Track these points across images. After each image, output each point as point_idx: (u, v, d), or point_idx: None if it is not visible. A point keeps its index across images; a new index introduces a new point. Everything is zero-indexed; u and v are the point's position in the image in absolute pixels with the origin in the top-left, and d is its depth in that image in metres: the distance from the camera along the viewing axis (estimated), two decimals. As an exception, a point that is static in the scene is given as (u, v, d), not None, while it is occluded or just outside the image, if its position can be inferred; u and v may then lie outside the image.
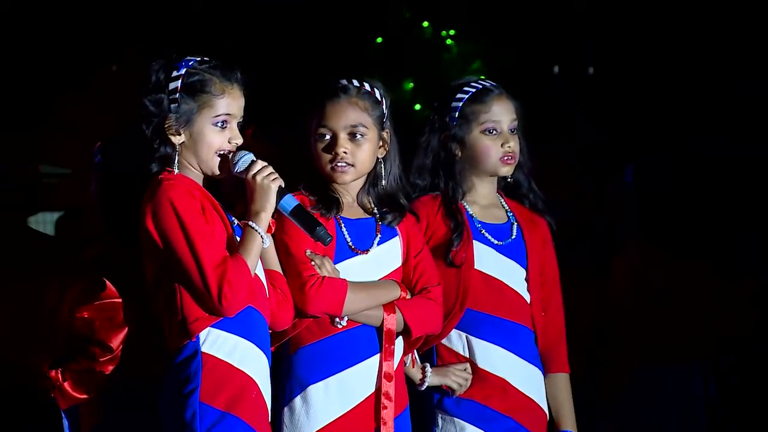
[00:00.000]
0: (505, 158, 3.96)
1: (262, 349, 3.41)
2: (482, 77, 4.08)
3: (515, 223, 4.01)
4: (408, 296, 3.72)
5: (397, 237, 3.77)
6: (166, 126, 3.39)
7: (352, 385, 3.62)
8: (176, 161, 3.40)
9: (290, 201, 3.45)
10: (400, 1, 8.33)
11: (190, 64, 3.42)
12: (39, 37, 8.48)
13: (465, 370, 3.88)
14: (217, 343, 3.33)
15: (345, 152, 3.66)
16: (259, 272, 3.45)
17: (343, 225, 3.70)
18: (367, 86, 3.71)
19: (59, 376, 3.68)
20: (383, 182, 3.74)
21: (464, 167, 3.98)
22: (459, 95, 3.99)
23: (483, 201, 4.02)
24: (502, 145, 3.95)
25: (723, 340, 6.10)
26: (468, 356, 3.91)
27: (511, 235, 4.00)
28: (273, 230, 3.46)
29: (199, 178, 3.45)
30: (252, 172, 3.40)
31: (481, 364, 3.89)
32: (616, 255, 6.17)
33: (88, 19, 8.44)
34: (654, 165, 6.37)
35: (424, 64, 8.19)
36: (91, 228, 3.83)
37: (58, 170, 7.86)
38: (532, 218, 4.04)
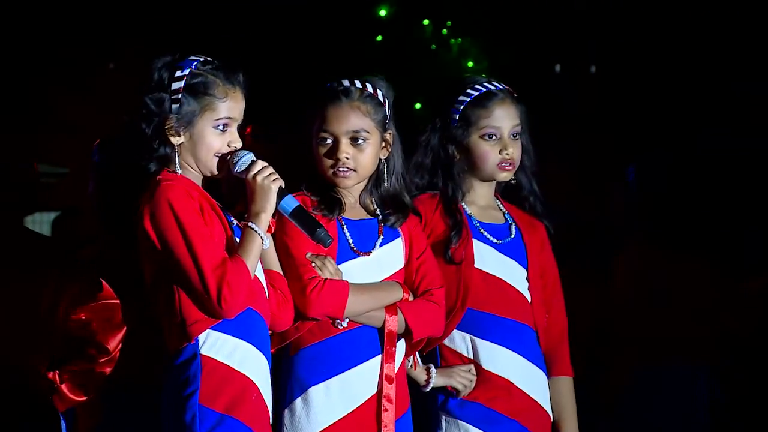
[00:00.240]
0: (503, 164, 3.93)
1: (262, 351, 3.39)
2: (486, 76, 4.04)
3: (513, 224, 4.00)
4: (410, 298, 3.70)
5: (400, 238, 3.74)
6: (167, 126, 3.37)
7: (353, 387, 3.61)
8: (176, 162, 3.38)
9: (291, 202, 3.42)
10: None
11: (193, 64, 3.40)
12: (37, 36, 8.47)
13: (469, 371, 3.86)
14: (217, 345, 3.31)
15: (347, 158, 3.64)
16: (259, 273, 3.43)
17: (345, 226, 3.68)
18: (369, 88, 3.68)
19: (57, 377, 3.66)
20: (386, 183, 3.73)
21: (462, 169, 3.96)
22: (461, 97, 3.96)
23: (481, 202, 4.00)
24: (500, 152, 3.92)
25: (726, 340, 6.09)
26: (472, 357, 3.89)
27: (510, 235, 3.98)
28: (273, 230, 3.43)
29: (198, 179, 3.43)
30: (252, 173, 3.37)
31: (485, 365, 3.87)
32: (617, 254, 6.16)
33: (85, 18, 8.42)
34: (656, 164, 6.36)
35: (424, 62, 8.17)
36: (90, 228, 3.81)
37: (56, 170, 7.84)
38: (530, 221, 4.03)
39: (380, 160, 3.72)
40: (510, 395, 3.86)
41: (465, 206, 3.96)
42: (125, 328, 3.63)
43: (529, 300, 3.95)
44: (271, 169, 3.39)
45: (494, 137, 3.93)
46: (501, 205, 4.04)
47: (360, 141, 3.65)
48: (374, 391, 3.62)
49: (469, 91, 3.96)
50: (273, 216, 3.39)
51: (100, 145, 3.79)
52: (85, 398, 3.65)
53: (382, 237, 3.71)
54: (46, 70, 8.51)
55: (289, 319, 3.51)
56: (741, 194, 7.25)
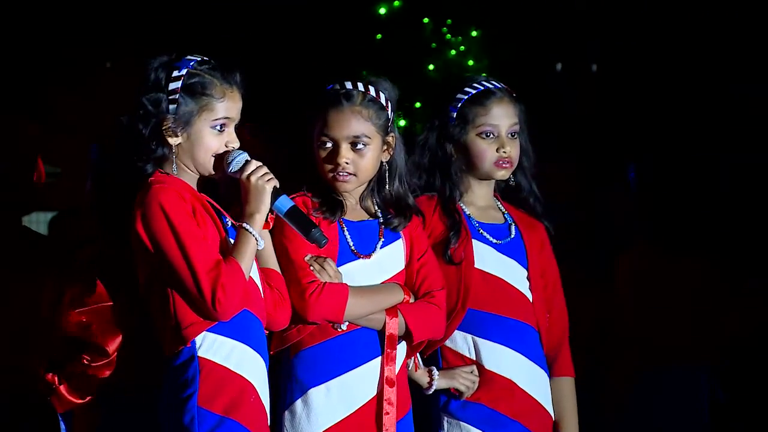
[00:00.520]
0: (500, 162, 3.91)
1: (258, 352, 3.37)
2: (485, 75, 4.03)
3: (513, 224, 3.99)
4: (411, 299, 3.68)
5: (401, 240, 3.73)
6: (164, 127, 3.35)
7: (353, 389, 3.59)
8: (173, 162, 3.36)
9: (285, 202, 3.40)
10: None
11: (190, 64, 3.38)
12: (34, 35, 8.45)
13: (472, 372, 3.84)
14: (214, 347, 3.30)
15: (347, 162, 3.62)
16: (254, 274, 3.40)
17: (345, 228, 3.66)
18: (372, 91, 3.66)
19: (55, 379, 3.65)
20: (388, 186, 3.71)
21: (460, 168, 3.95)
22: (459, 95, 3.95)
23: (480, 202, 3.99)
24: (497, 150, 3.91)
25: (728, 342, 6.08)
26: (474, 358, 3.87)
27: (510, 235, 3.97)
28: (271, 226, 3.41)
29: (193, 180, 3.41)
30: (246, 173, 3.36)
31: (488, 365, 3.86)
32: (618, 255, 6.16)
33: (83, 18, 8.41)
34: (656, 163, 6.37)
35: (424, 61, 8.17)
36: (88, 228, 3.79)
37: (54, 169, 7.81)
38: (530, 222, 4.02)
39: (382, 162, 3.70)
40: (513, 396, 3.85)
41: (464, 207, 3.95)
42: (124, 331, 3.61)
43: (531, 300, 3.93)
44: (265, 169, 3.37)
45: (491, 135, 3.91)
46: (500, 206, 4.03)
47: (360, 146, 3.63)
48: (375, 393, 3.60)
49: (466, 89, 3.95)
50: (270, 213, 3.38)
51: (98, 145, 3.77)
52: (83, 401, 3.63)
53: (382, 239, 3.69)
54: (42, 69, 8.49)
55: (286, 318, 3.49)
56: (743, 194, 7.25)
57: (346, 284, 3.57)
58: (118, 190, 3.43)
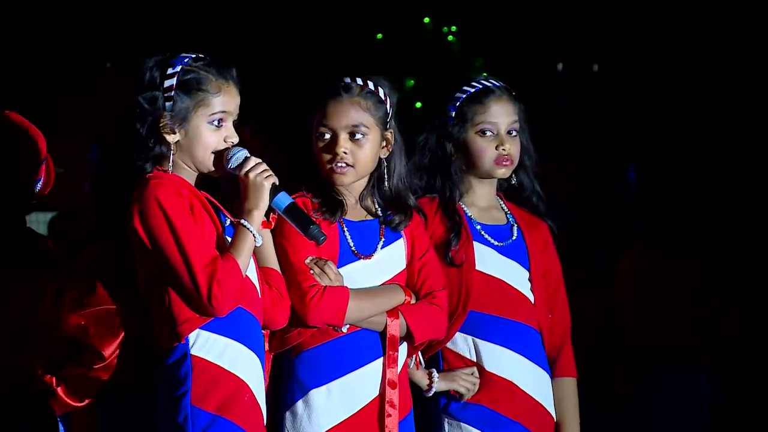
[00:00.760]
0: (500, 160, 3.91)
1: (254, 351, 3.37)
2: (485, 75, 4.03)
3: (515, 225, 3.98)
4: (413, 300, 3.68)
5: (401, 239, 3.72)
6: (161, 124, 3.35)
7: (354, 390, 3.59)
8: (171, 160, 3.36)
9: (284, 199, 3.40)
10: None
11: (185, 61, 3.38)
12: (34, 35, 8.44)
13: (472, 374, 3.84)
14: (207, 345, 3.30)
15: (345, 152, 3.62)
16: (251, 272, 3.40)
17: (346, 229, 3.66)
18: (370, 85, 3.67)
19: (53, 381, 3.64)
20: (387, 183, 3.71)
21: (460, 167, 3.95)
22: (458, 94, 3.95)
23: (482, 203, 3.98)
24: (497, 147, 3.90)
25: (728, 342, 6.08)
26: (475, 360, 3.87)
27: (512, 236, 3.96)
28: (272, 226, 3.40)
29: (192, 177, 3.41)
30: (245, 169, 3.35)
31: (489, 366, 3.85)
32: (618, 255, 6.16)
33: (83, 18, 8.40)
34: (656, 163, 6.36)
35: (425, 61, 8.17)
36: (89, 228, 3.78)
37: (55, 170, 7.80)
38: (532, 221, 4.01)
39: (381, 159, 3.69)
40: (513, 397, 3.85)
41: (465, 208, 3.94)
42: (122, 334, 3.60)
43: (532, 301, 3.93)
44: (264, 166, 3.37)
45: (491, 133, 3.91)
46: (503, 205, 4.02)
47: (358, 136, 3.63)
48: (376, 394, 3.60)
49: (465, 87, 3.95)
50: (274, 214, 3.37)
51: (98, 145, 3.77)
52: (81, 404, 3.63)
53: (383, 239, 3.69)
54: (41, 69, 8.49)
55: (284, 317, 3.49)
56: (744, 193, 7.24)
57: (346, 287, 3.57)
58: (117, 190, 3.43)
